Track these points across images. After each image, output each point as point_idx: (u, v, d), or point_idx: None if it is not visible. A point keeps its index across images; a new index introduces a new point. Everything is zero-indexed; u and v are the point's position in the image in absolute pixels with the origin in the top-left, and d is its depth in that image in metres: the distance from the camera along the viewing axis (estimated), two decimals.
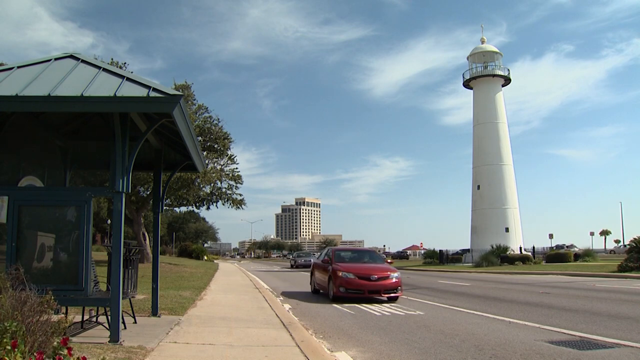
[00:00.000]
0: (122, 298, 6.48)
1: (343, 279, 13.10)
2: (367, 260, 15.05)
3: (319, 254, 16.71)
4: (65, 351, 3.71)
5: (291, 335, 7.35)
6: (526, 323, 8.86)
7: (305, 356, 5.87)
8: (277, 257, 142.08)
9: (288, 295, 15.93)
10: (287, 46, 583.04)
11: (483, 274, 29.68)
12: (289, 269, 42.86)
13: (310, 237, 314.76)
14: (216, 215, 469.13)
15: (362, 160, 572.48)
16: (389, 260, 14.38)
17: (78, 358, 3.61)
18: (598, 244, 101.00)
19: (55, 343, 3.84)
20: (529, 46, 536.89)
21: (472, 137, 51.67)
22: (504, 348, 6.76)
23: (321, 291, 15.54)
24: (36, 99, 5.89)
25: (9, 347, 3.44)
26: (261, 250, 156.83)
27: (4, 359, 3.35)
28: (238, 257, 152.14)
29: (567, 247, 59.86)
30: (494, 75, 50.83)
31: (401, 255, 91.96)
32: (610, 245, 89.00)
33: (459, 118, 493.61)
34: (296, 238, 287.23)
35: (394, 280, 13.17)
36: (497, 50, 52.61)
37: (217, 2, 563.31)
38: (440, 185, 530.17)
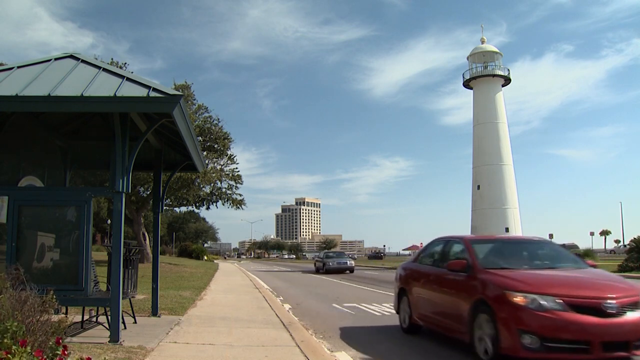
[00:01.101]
0: (122, 298, 6.48)
1: (534, 313, 5.48)
2: (544, 261, 7.19)
3: (420, 250, 9.32)
4: (60, 350, 3.72)
5: (291, 335, 7.35)
6: None
7: (305, 356, 5.87)
8: (276, 257, 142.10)
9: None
10: (287, 46, 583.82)
11: None
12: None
13: (310, 237, 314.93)
14: (216, 215, 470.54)
15: (362, 160, 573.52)
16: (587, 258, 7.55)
17: (81, 358, 3.62)
18: (598, 244, 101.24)
19: (50, 343, 3.85)
20: (529, 46, 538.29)
21: (472, 137, 51.69)
22: None
23: (424, 327, 7.74)
24: (36, 99, 5.89)
25: (14, 346, 3.45)
26: (261, 250, 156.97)
27: (7, 357, 3.35)
28: (237, 257, 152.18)
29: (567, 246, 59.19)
30: (494, 75, 50.83)
31: (376, 256, 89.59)
32: (610, 245, 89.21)
33: (459, 118, 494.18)
34: (296, 238, 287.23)
35: None
36: (497, 50, 52.63)
37: (217, 2, 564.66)
38: (440, 185, 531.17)
